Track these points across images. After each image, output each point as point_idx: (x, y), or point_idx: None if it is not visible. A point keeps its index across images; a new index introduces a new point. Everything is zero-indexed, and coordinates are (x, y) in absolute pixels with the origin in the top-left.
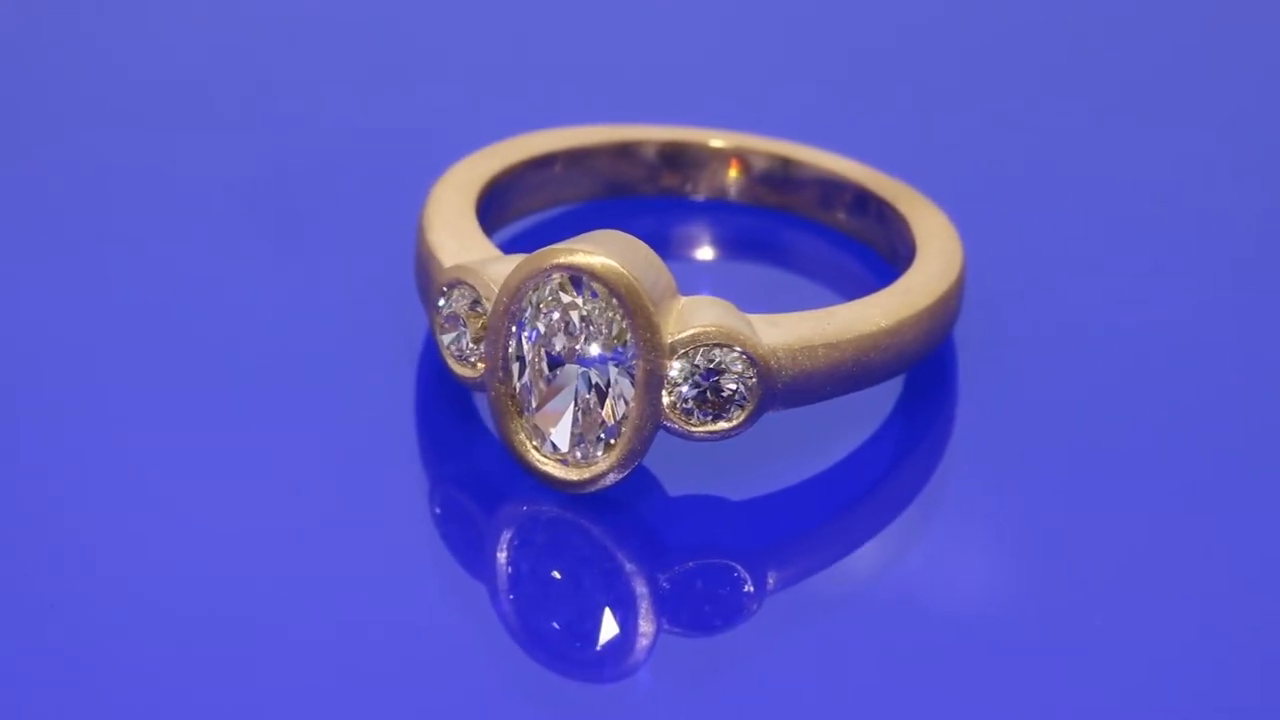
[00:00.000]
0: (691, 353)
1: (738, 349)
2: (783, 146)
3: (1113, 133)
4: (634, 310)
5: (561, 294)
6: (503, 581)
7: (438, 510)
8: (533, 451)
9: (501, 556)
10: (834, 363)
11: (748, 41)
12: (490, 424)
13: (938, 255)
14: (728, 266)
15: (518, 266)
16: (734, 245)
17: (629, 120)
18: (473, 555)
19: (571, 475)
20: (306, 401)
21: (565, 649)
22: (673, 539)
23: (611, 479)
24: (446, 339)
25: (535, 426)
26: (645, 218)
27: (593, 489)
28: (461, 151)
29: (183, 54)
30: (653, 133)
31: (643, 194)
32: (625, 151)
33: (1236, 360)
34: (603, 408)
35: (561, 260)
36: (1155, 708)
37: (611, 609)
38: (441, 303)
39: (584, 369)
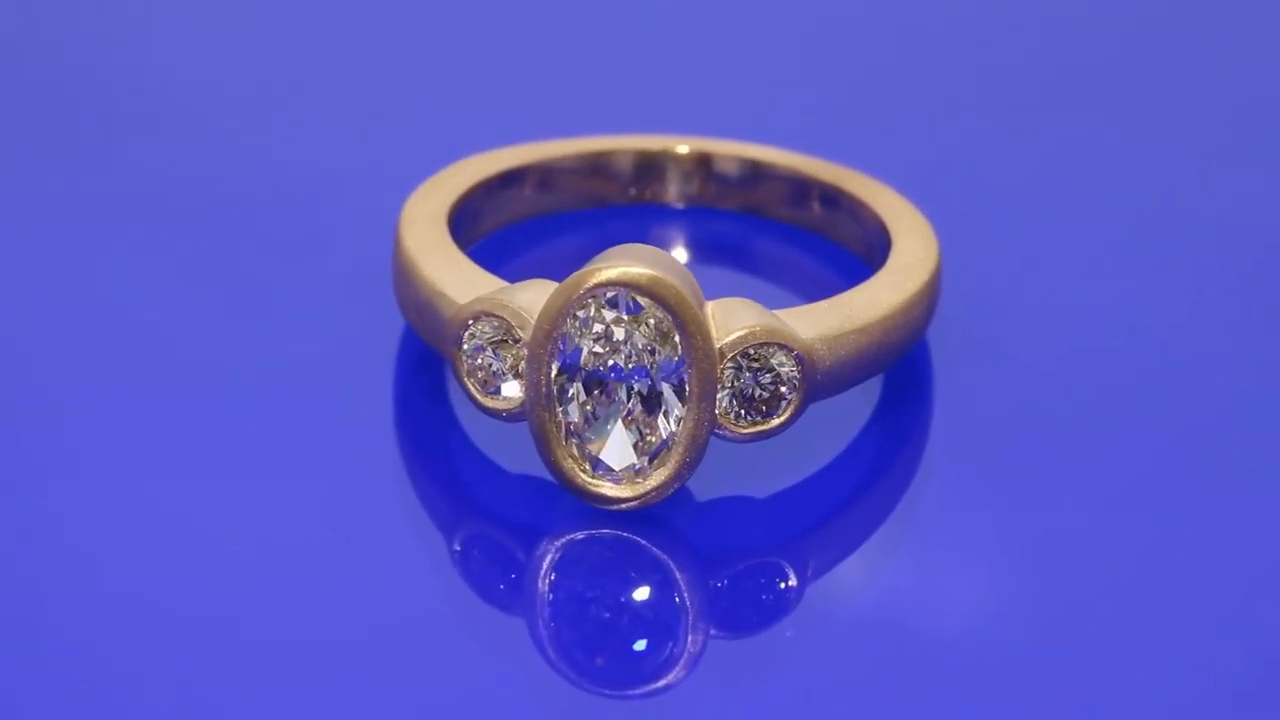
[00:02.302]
0: (740, 356)
1: (783, 346)
2: (748, 149)
3: (1084, 130)
4: (685, 320)
5: (604, 313)
6: (542, 605)
7: (463, 537)
8: (583, 475)
9: (539, 580)
10: (862, 348)
11: (709, 47)
12: (518, 454)
13: (913, 233)
14: (697, 271)
15: (557, 291)
16: (704, 250)
17: (588, 132)
18: (504, 581)
19: (626, 492)
20: (280, 416)
21: (612, 669)
22: (706, 543)
23: (669, 490)
24: (472, 376)
25: (584, 449)
26: (616, 224)
27: (651, 502)
28: (418, 164)
29: (158, 68)
30: (619, 143)
31: (614, 204)
32: (594, 165)
33: (1219, 360)
34: (652, 422)
35: (605, 279)
36: (1155, 710)
37: (658, 620)
38: (466, 339)
39: (630, 385)
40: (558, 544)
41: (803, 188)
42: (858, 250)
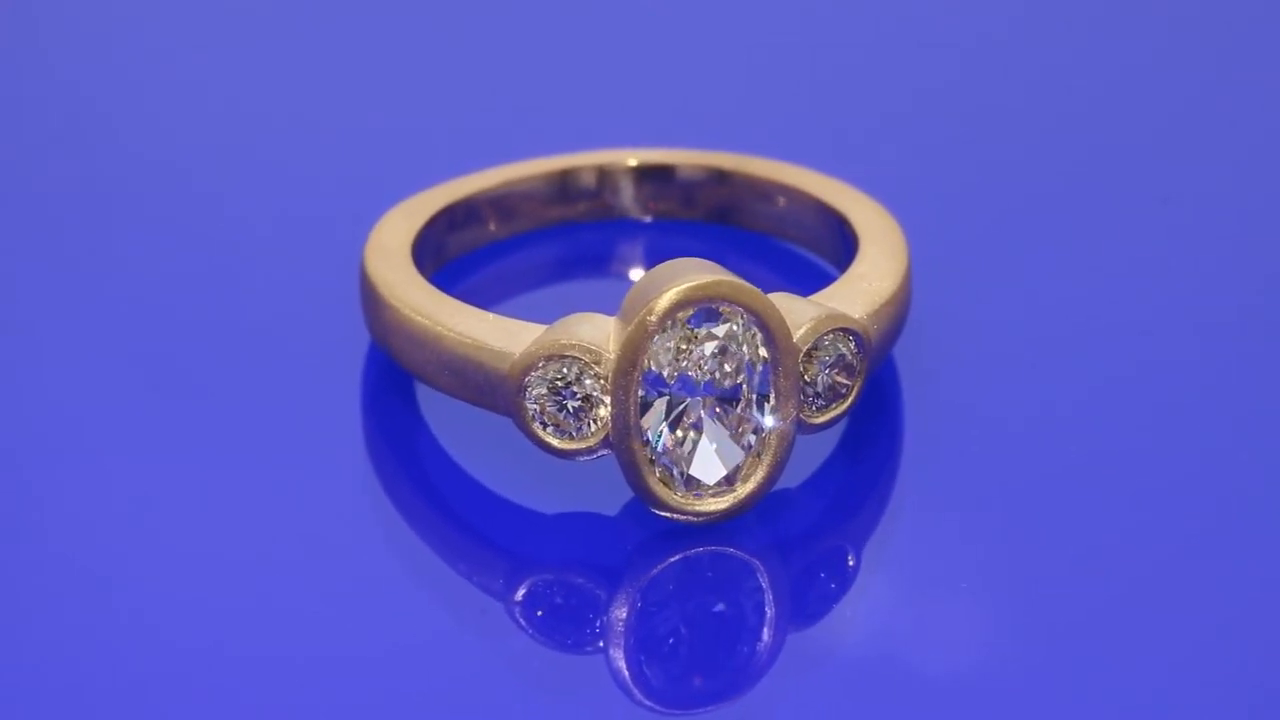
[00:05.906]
0: (812, 348)
1: (847, 330)
2: (713, 157)
3: (1057, 132)
4: (768, 322)
5: (685, 331)
6: (615, 632)
7: (512, 570)
8: (674, 495)
9: (615, 609)
10: (894, 319)
11: (671, 54)
12: (521, 485)
13: (860, 204)
14: None
15: (638, 319)
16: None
17: (548, 151)
18: (566, 608)
19: (723, 504)
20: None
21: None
22: (759, 540)
23: (764, 492)
24: (547, 424)
25: (673, 469)
26: (575, 238)
27: (748, 508)
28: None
29: (114, 94)
30: (577, 160)
31: (581, 220)
32: (556, 186)
33: (1198, 361)
34: (738, 429)
35: (686, 296)
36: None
37: (739, 627)
38: (532, 384)
39: (711, 398)
40: (613, 571)
41: (766, 191)
42: (827, 254)
